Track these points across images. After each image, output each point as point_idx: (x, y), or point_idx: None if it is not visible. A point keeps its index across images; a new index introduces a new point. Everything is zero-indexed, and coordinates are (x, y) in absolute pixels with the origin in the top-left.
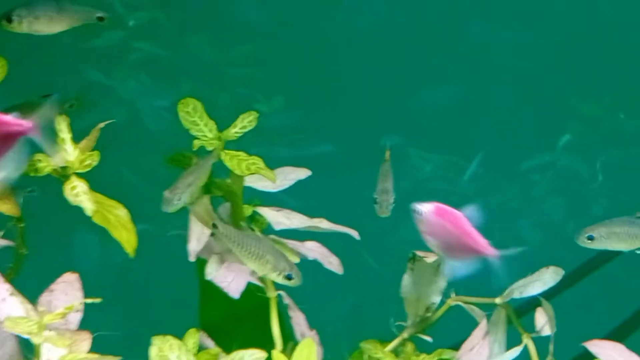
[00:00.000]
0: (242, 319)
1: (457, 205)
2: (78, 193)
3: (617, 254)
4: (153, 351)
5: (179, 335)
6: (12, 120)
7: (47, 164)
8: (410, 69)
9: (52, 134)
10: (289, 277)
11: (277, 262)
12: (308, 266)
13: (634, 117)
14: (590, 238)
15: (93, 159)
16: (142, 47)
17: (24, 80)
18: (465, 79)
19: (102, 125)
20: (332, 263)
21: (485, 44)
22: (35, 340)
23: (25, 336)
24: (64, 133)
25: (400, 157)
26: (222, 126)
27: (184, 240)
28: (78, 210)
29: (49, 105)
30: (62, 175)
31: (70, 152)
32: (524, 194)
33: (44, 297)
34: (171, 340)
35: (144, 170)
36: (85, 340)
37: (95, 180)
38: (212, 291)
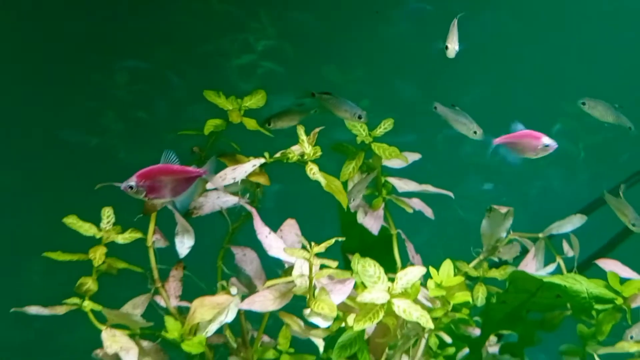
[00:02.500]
0: (371, 247)
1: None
2: (314, 173)
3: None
4: (359, 268)
5: None
6: (192, 168)
7: (293, 155)
8: (449, 79)
9: (214, 171)
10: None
11: None
12: (415, 215)
13: None
14: None
15: (318, 151)
16: (266, 65)
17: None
18: (490, 85)
19: (318, 130)
20: (428, 212)
21: (500, 61)
22: (311, 262)
23: (288, 259)
24: (303, 135)
25: (458, 143)
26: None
27: None
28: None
29: (213, 158)
30: (302, 161)
31: (307, 147)
32: (533, 165)
33: (279, 235)
34: (369, 260)
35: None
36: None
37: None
38: (350, 228)
